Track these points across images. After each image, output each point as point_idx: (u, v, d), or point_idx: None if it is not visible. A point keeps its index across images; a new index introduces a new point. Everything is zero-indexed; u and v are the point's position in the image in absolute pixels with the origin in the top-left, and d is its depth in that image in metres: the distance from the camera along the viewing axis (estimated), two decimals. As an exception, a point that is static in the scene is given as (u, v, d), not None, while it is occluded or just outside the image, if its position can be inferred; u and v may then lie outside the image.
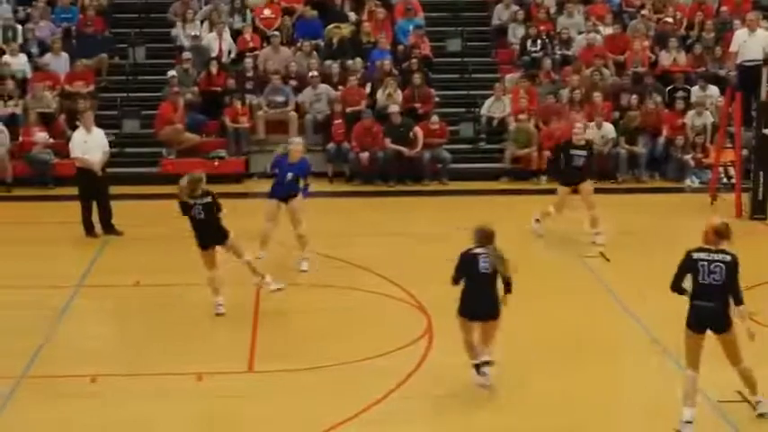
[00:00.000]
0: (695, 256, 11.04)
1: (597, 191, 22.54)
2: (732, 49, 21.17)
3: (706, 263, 10.98)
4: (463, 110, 24.93)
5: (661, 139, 23.82)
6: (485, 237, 12.10)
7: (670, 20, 26.29)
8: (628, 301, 15.36)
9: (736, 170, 21.16)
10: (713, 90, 24.46)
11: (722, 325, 11.05)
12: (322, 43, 25.66)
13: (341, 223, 20.03)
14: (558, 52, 25.76)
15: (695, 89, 24.67)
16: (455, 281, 12.08)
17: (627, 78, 25.00)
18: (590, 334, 14.19)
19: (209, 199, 14.57)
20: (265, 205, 16.86)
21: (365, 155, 23.00)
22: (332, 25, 25.71)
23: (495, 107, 24.29)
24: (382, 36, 25.35)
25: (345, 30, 25.72)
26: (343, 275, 16.60)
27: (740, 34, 20.93)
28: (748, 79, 20.40)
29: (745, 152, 21.20)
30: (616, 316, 14.97)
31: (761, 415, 11.55)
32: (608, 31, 26.10)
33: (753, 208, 20.12)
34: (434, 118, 23.50)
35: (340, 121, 23.46)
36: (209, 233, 14.62)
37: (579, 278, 16.67)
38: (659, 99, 24.33)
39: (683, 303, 15.13)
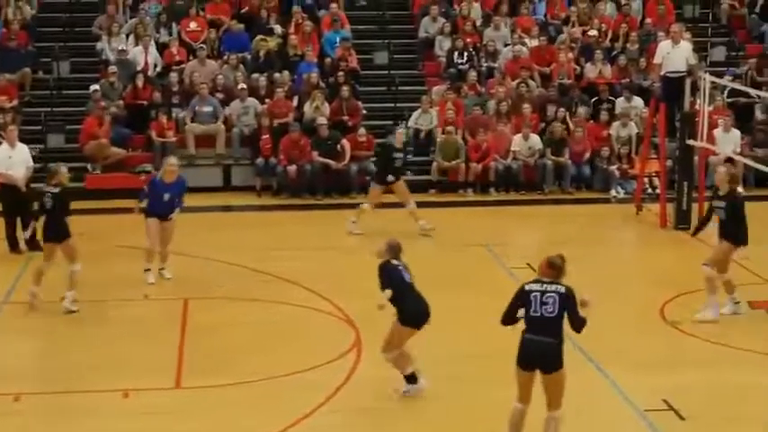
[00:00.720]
0: (528, 287, 10.50)
1: (523, 202, 22.89)
2: (656, 60, 21.37)
3: (538, 294, 10.43)
4: (390, 122, 24.88)
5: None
6: (397, 249, 12.16)
7: (595, 32, 26.49)
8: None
9: (661, 181, 21.37)
10: (638, 101, 24.69)
11: (552, 364, 10.44)
12: (249, 56, 25.58)
13: (268, 237, 19.97)
14: (485, 64, 25.88)
15: (620, 100, 24.89)
16: (384, 287, 11.98)
17: (553, 90, 25.16)
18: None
19: (57, 190, 15.14)
20: (147, 223, 16.70)
21: (292, 168, 22.95)
22: (258, 38, 25.63)
23: (422, 119, 24.34)
24: (309, 49, 25.31)
25: (272, 43, 25.66)
26: (271, 289, 16.53)
27: (664, 46, 21.14)
28: (672, 90, 20.58)
29: (669, 163, 21.39)
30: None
31: None
32: (534, 43, 26.27)
33: (677, 218, 20.30)
34: (362, 130, 23.51)
35: (267, 136, 23.38)
36: (52, 227, 15.15)
37: (507, 290, 16.65)
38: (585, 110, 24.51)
39: (610, 313, 15.40)
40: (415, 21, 27.41)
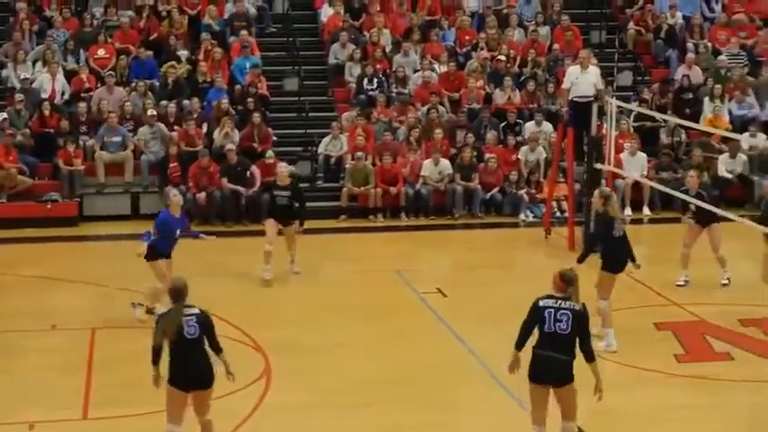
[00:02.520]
0: (542, 303, 10.71)
1: (433, 227, 22.95)
2: (564, 85, 21.57)
3: (553, 310, 10.63)
4: (301, 149, 24.92)
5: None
6: (180, 293, 11.04)
7: (503, 57, 26.72)
8: (465, 336, 15.46)
9: (569, 204, 21.57)
10: (546, 126, 24.92)
11: (563, 379, 10.66)
12: (157, 83, 25.43)
13: (179, 264, 19.74)
14: (395, 90, 25.98)
15: (529, 125, 25.10)
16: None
17: (462, 115, 25.31)
18: (430, 370, 14.24)
19: None
20: (157, 266, 16.11)
21: (202, 195, 22.82)
22: (167, 65, 25.50)
23: (332, 145, 24.34)
24: (219, 75, 25.23)
25: (181, 69, 25.55)
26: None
27: (572, 71, 21.37)
28: (580, 115, 20.79)
29: (577, 186, 21.60)
30: (455, 351, 15.04)
31: None
32: (443, 69, 26.43)
33: (585, 241, 20.47)
34: (269, 153, 23.42)
35: (176, 163, 23.23)
36: None
37: (417, 315, 16.75)
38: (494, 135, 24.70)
39: (512, 338, 15.45)
40: (324, 47, 27.44)
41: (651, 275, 17.28)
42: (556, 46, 27.36)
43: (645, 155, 24.15)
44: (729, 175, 24.06)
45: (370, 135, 24.41)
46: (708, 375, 14.00)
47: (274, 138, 24.55)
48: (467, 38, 27.64)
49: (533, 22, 28.00)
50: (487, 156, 24.15)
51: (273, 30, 28.11)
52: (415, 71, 26.45)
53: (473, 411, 13.23)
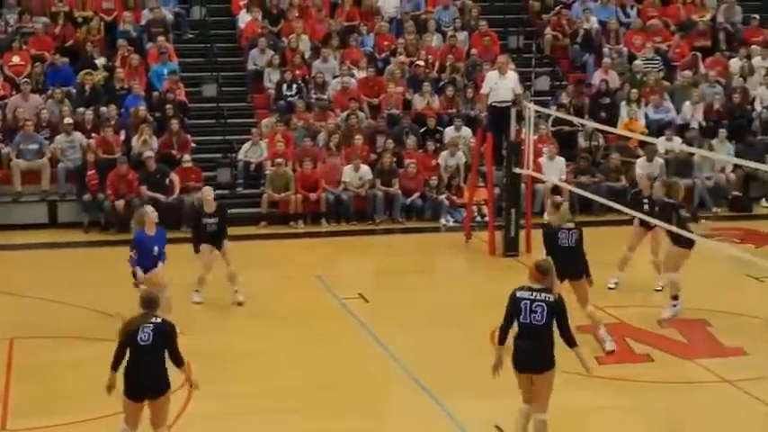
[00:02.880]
0: (519, 294, 10.98)
1: (354, 233, 22.94)
2: (483, 90, 21.68)
3: (528, 302, 10.90)
4: (220, 155, 24.78)
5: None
6: (150, 302, 11.10)
7: (422, 63, 26.80)
8: (387, 341, 15.47)
9: (489, 208, 21.65)
10: (466, 131, 25.02)
11: (540, 366, 10.97)
12: (74, 90, 25.15)
13: (98, 274, 19.56)
14: (314, 96, 25.94)
15: (448, 130, 25.18)
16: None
17: (382, 121, 25.33)
18: (353, 376, 14.24)
19: None
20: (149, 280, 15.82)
21: (120, 203, 22.61)
22: (84, 72, 25.23)
23: (251, 152, 24.23)
24: (136, 82, 25.02)
25: (98, 76, 25.29)
26: (102, 327, 16.18)
27: (491, 76, 21.47)
28: (499, 120, 20.90)
29: (497, 191, 21.71)
30: (377, 356, 15.05)
31: None
32: (362, 74, 26.44)
33: (505, 245, 20.62)
34: (186, 157, 23.27)
35: (93, 171, 23.00)
36: None
37: (339, 321, 16.73)
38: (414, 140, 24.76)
39: (443, 341, 15.53)
40: (243, 53, 27.32)
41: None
42: (474, 51, 27.49)
43: (563, 159, 24.34)
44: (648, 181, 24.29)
45: (289, 141, 24.35)
46: (628, 377, 14.13)
47: (193, 144, 24.40)
48: (385, 43, 27.69)
49: (451, 28, 28.11)
50: (407, 161, 24.20)
51: (191, 36, 27.95)
52: (335, 77, 26.43)
53: (397, 416, 13.26)
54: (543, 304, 10.84)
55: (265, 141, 24.31)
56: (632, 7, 29.62)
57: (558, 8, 29.09)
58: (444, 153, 24.54)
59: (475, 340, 15.56)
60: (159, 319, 10.87)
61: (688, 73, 27.30)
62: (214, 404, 12.58)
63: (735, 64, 28.04)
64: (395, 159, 24.24)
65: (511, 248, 20.56)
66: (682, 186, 17.11)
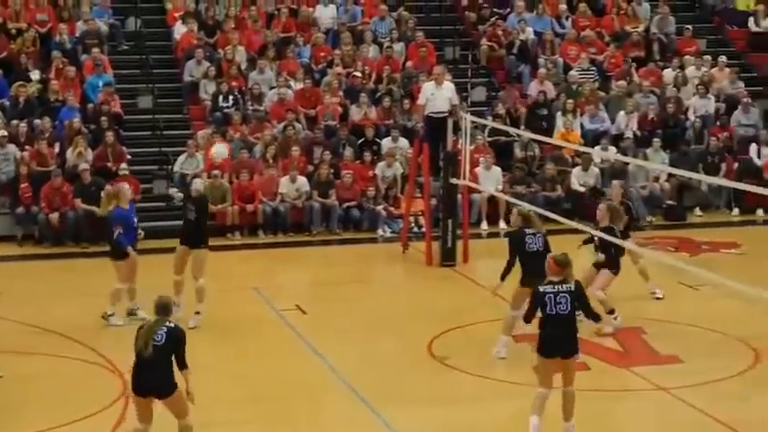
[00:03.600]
0: (542, 289, 11.96)
1: (291, 244, 22.89)
2: (420, 101, 21.73)
3: (552, 295, 11.86)
4: (156, 167, 24.63)
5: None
6: (164, 308, 11.41)
7: (359, 74, 26.82)
8: (325, 352, 15.44)
9: (426, 219, 21.68)
10: (403, 142, 25.05)
11: (570, 351, 12.00)
12: (7, 102, 24.90)
13: (32, 287, 19.39)
14: (251, 107, 25.86)
15: (385, 141, 25.20)
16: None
17: (319, 132, 25.30)
18: (291, 387, 14.19)
19: None
20: (131, 262, 16.63)
21: (55, 216, 22.40)
22: (17, 84, 24.98)
23: (188, 163, 24.10)
24: (71, 94, 24.81)
25: (32, 88, 25.06)
26: (34, 340, 16.05)
27: (428, 87, 21.52)
28: (435, 130, 20.94)
29: (433, 201, 21.73)
30: (315, 367, 15.01)
31: None
32: (299, 86, 26.40)
33: (442, 255, 20.63)
34: (123, 165, 23.10)
35: (26, 183, 22.77)
36: None
37: (276, 332, 16.68)
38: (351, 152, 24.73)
39: (380, 351, 15.55)
40: (178, 64, 27.20)
41: (506, 287, 17.35)
42: (410, 62, 27.54)
43: (500, 169, 24.45)
44: (582, 188, 24.47)
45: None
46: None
47: (128, 156, 24.20)
48: (322, 54, 27.65)
49: (388, 39, 28.15)
50: (344, 172, 24.19)
51: (126, 47, 27.75)
52: (271, 88, 26.37)
53: (334, 427, 13.25)
54: (567, 295, 11.90)
55: (202, 153, 24.19)
56: (567, 18, 29.79)
57: (493, 19, 29.18)
58: (381, 164, 24.54)
59: (412, 350, 15.62)
60: (173, 324, 11.25)
61: (622, 83, 27.53)
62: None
63: (668, 74, 28.30)
64: (332, 170, 24.22)
65: (448, 259, 20.58)
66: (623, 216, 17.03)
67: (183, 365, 11.15)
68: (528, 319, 12.38)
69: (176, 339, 11.12)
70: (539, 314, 12.07)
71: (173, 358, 11.07)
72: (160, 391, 11.13)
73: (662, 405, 13.66)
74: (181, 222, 17.48)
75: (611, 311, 16.10)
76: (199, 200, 17.05)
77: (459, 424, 12.98)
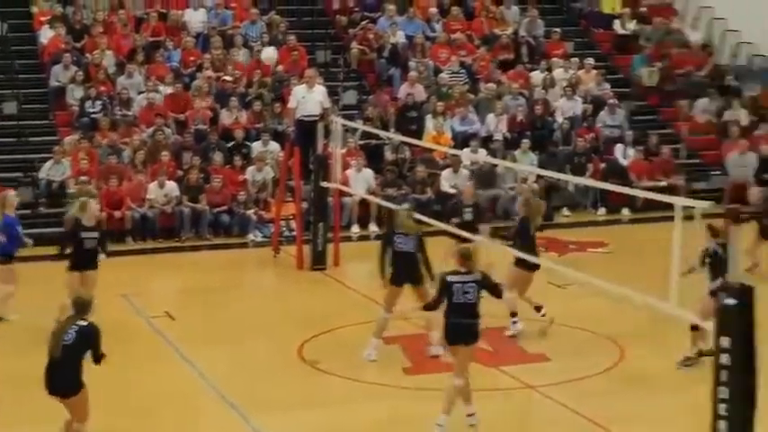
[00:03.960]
0: (450, 279, 12.34)
1: (161, 250, 22.65)
2: (291, 105, 21.67)
3: (460, 285, 12.24)
4: (21, 174, 24.15)
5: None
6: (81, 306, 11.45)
7: (229, 78, 26.65)
8: (195, 359, 15.30)
9: (297, 223, 21.61)
10: (273, 145, 24.95)
11: (473, 339, 12.42)
12: None
13: None
14: (119, 113, 25.53)
15: (256, 145, 25.07)
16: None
17: (189, 136, 25.07)
18: (161, 395, 14.05)
19: None
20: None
21: None
22: None
23: (54, 170, 23.68)
24: (-69, 102, 24.28)
25: None
26: None
27: (299, 90, 21.46)
28: (306, 134, 20.92)
29: (305, 205, 21.67)
30: (185, 374, 14.88)
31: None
32: (168, 90, 26.14)
33: (314, 259, 20.57)
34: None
35: None
36: None
37: (146, 340, 16.47)
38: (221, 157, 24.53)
39: (251, 356, 15.46)
40: (45, 69, 26.72)
41: (377, 290, 17.37)
42: (280, 66, 27.44)
43: (371, 171, 24.49)
44: (452, 190, 24.61)
45: (93, 158, 23.89)
46: (434, 386, 14.17)
47: (-7, 163, 23.76)
48: (192, 58, 27.41)
49: (259, 43, 28.01)
50: (214, 176, 23.99)
51: (-10, 53, 27.24)
52: (140, 93, 26.07)
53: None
54: (473, 284, 12.29)
55: (68, 159, 23.80)
56: (438, 21, 29.96)
57: (364, 23, 29.23)
58: (252, 168, 24.40)
59: (283, 354, 15.57)
60: (86, 323, 11.22)
61: (492, 85, 27.79)
62: (23, 428, 12.23)
63: (536, 76, 28.65)
64: (202, 175, 24.02)
65: (319, 262, 20.54)
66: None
67: (96, 362, 11.26)
68: (433, 307, 12.77)
69: (87, 338, 11.11)
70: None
71: (82, 359, 11.04)
72: (66, 391, 11.20)
73: (531, 403, 13.82)
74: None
75: (514, 314, 16.14)
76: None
77: (330, 427, 12.96)
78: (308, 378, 14.72)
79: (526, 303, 16.21)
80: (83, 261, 16.25)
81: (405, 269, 14.92)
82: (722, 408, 10.30)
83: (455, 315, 12.30)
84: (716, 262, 14.20)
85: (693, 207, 11.10)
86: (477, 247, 13.00)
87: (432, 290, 13.71)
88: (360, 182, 23.88)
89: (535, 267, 15.95)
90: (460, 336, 12.37)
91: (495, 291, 12.70)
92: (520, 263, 15.78)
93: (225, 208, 23.76)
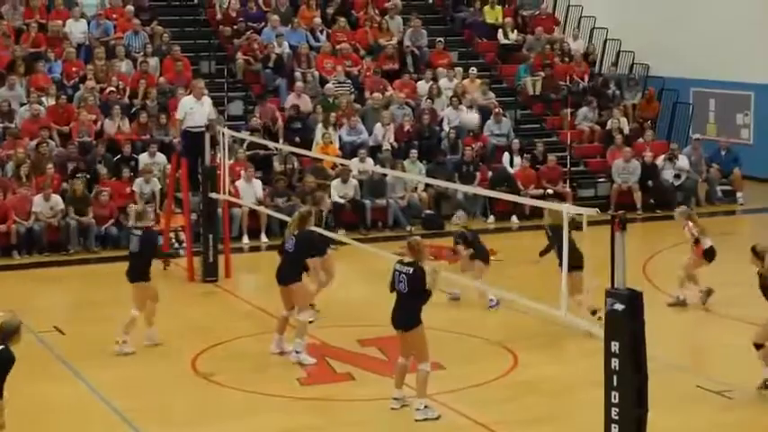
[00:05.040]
0: (396, 267, 13.13)
1: (48, 264, 22.31)
2: (178, 116, 21.52)
3: (397, 273, 13.04)
4: None
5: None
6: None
7: (114, 89, 26.37)
8: (86, 374, 15.13)
9: (187, 234, 21.46)
10: (160, 157, 24.74)
11: (407, 325, 13.04)
12: None
13: None
14: (1, 125, 25.10)
15: (143, 156, 24.83)
16: None
17: (73, 148, 24.73)
18: (50, 412, 13.86)
19: None
20: None
21: None
22: None
23: (-66, 184, 23.24)
24: None
25: None
26: None
27: (187, 101, 21.32)
28: (194, 145, 20.76)
29: (194, 216, 21.53)
30: (75, 390, 14.69)
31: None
32: (51, 102, 25.78)
33: (204, 270, 20.46)
34: None
35: None
36: None
37: (35, 356, 16.17)
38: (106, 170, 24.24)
39: (143, 370, 15.31)
40: None
41: (269, 301, 17.35)
42: (164, 77, 27.23)
43: (260, 182, 24.42)
44: (342, 200, 24.67)
45: (-25, 172, 23.49)
46: (330, 397, 14.25)
47: None
48: (74, 69, 27.09)
49: (142, 54, 27.77)
50: (100, 189, 23.70)
51: None
52: (22, 104, 25.68)
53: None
54: (405, 276, 12.92)
55: (-52, 173, 23.35)
56: (322, 31, 30.02)
57: (248, 33, 29.17)
58: (139, 180, 24.16)
59: (176, 368, 15.43)
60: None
61: (378, 95, 27.90)
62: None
63: (422, 86, 28.86)
64: (87, 188, 23.70)
65: (210, 274, 20.42)
66: None
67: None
68: (390, 289, 13.23)
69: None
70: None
71: None
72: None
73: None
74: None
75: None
76: None
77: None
78: (203, 391, 14.62)
79: None
80: None
81: (285, 268, 15.62)
82: (614, 411, 10.54)
83: (396, 301, 13.14)
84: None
85: (581, 214, 11.31)
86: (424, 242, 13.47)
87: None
88: (249, 192, 23.80)
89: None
90: (393, 321, 13.18)
91: (422, 294, 13.09)
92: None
93: (112, 221, 23.47)
